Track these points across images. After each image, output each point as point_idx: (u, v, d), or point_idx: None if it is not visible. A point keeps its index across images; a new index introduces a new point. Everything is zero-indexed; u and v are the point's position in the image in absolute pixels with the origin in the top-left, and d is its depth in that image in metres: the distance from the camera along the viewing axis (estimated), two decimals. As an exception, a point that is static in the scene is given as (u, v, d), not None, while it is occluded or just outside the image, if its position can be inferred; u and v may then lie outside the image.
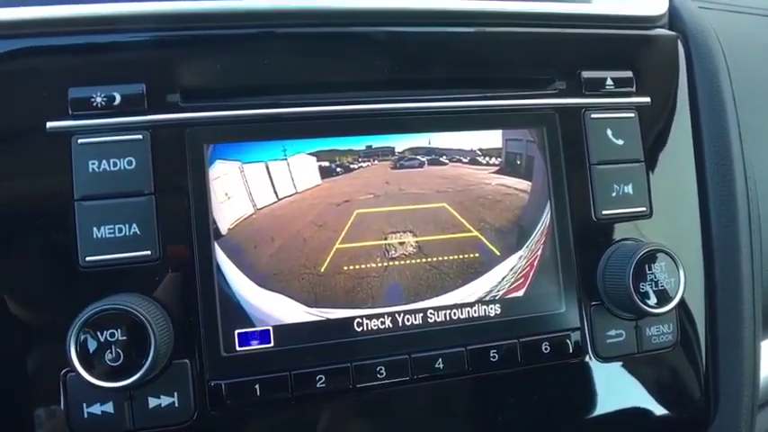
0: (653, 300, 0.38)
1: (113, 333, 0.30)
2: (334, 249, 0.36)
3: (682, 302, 0.40)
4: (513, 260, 0.38)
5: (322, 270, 0.35)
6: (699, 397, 0.42)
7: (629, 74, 0.41)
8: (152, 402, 0.33)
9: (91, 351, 0.31)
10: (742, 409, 0.43)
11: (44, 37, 0.34)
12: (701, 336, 0.42)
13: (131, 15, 0.34)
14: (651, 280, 0.38)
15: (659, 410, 0.41)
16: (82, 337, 0.30)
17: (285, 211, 0.35)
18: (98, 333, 0.30)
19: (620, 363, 0.40)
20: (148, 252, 0.33)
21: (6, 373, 0.32)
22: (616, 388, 0.40)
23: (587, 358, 0.39)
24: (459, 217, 0.38)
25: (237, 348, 0.34)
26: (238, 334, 0.34)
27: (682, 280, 0.38)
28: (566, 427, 0.39)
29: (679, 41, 0.44)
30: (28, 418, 0.32)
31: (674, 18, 0.45)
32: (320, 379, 0.35)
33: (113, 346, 0.30)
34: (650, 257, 0.37)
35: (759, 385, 0.44)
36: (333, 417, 0.35)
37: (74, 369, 0.31)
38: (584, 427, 0.39)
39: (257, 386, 0.34)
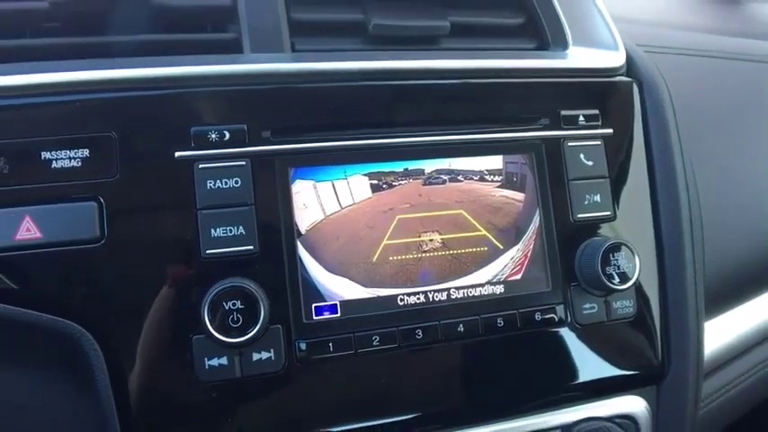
0: (617, 280, 0.50)
1: (234, 303, 0.42)
2: (382, 245, 0.48)
3: (638, 283, 0.53)
4: (512, 252, 0.51)
5: (374, 260, 0.47)
6: (654, 356, 0.54)
7: (596, 111, 0.54)
8: (255, 357, 0.44)
9: (219, 317, 0.43)
10: (689, 368, 0.55)
11: (173, 89, 0.46)
12: (655, 309, 0.54)
13: (240, 74, 0.47)
14: (615, 265, 0.50)
15: (624, 366, 0.53)
16: (213, 307, 0.42)
17: (346, 217, 0.48)
18: (224, 303, 0.42)
19: (594, 329, 0.52)
20: (251, 247, 0.45)
21: (149, 339, 0.44)
22: (591, 348, 0.52)
23: (568, 325, 0.51)
24: (472, 220, 0.50)
25: (314, 318, 0.46)
26: (315, 307, 0.46)
27: (638, 265, 0.51)
28: (552, 377, 0.51)
29: (634, 85, 0.57)
30: (164, 371, 0.44)
31: (630, 67, 0.58)
32: (375, 339, 0.47)
33: (234, 313, 0.42)
34: (614, 248, 0.50)
35: (703, 349, 0.57)
36: (383, 367, 0.47)
37: (204, 331, 0.42)
38: (567, 377, 0.51)
39: (330, 344, 0.46)
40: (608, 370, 0.53)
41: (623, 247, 0.50)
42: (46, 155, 0.43)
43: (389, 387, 0.47)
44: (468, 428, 0.49)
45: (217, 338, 0.42)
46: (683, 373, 0.55)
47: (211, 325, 0.42)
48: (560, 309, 0.51)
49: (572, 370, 0.52)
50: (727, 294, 0.65)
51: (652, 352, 0.54)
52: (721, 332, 0.66)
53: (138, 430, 0.43)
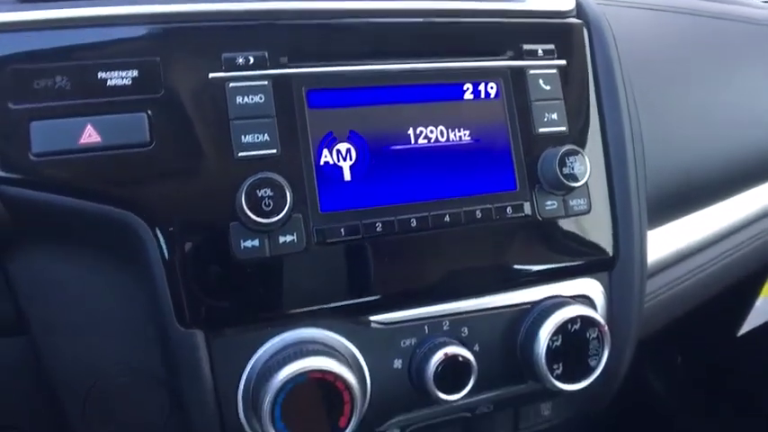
0: (571, 179, 0.61)
1: (265, 191, 0.52)
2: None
3: (589, 183, 0.64)
4: (487, 159, 0.61)
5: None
6: (606, 246, 0.65)
7: (552, 47, 0.65)
8: (281, 239, 0.53)
9: (253, 201, 0.52)
10: (634, 257, 0.66)
11: (207, 22, 0.55)
12: (605, 206, 0.64)
13: (263, 11, 0.56)
14: (570, 167, 0.60)
15: (581, 254, 0.63)
16: (248, 195, 0.51)
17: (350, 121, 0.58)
18: (257, 191, 0.52)
19: (555, 223, 0.62)
20: (275, 150, 0.54)
21: (193, 227, 0.52)
22: (553, 239, 0.62)
23: (534, 219, 0.61)
24: (457, 132, 0.61)
25: (328, 209, 0.56)
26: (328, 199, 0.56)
27: (588, 167, 0.61)
28: (522, 261, 0.62)
29: (583, 27, 0.69)
30: (207, 253, 0.52)
31: (579, 11, 0.70)
32: (378, 226, 0.56)
33: (267, 199, 0.52)
34: (568, 153, 0.60)
35: (646, 242, 0.68)
36: (386, 251, 0.57)
37: (241, 216, 0.52)
38: (534, 262, 0.62)
39: (341, 230, 0.56)
40: (568, 257, 0.64)
41: (576, 153, 0.61)
42: (102, 75, 0.52)
43: (391, 267, 0.58)
44: (454, 301, 0.60)
45: (253, 220, 0.51)
46: (629, 260, 0.66)
47: (248, 208, 0.51)
48: (527, 205, 0.61)
49: (538, 256, 0.63)
50: (669, 207, 0.77)
51: (604, 242, 0.65)
52: (664, 241, 0.78)
53: (188, 305, 0.52)
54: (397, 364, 0.58)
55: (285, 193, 0.52)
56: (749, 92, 0.89)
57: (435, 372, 0.56)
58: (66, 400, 0.55)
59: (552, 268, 0.63)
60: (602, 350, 0.61)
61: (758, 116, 0.87)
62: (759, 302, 1.04)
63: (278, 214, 0.52)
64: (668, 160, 0.77)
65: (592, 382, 0.62)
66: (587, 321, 0.60)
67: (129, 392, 0.55)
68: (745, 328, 1.07)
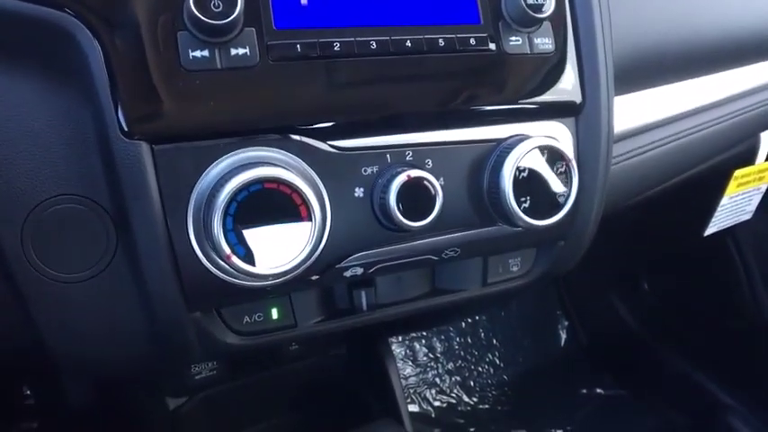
0: (536, 11, 0.59)
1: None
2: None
3: (554, 24, 0.62)
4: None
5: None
6: (572, 89, 0.64)
7: None
8: (233, 51, 0.50)
9: (203, 2, 0.48)
10: (601, 104, 0.66)
11: None
12: (571, 49, 0.64)
13: None
14: None
15: (547, 94, 0.62)
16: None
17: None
18: (205, -9, 0.49)
19: (520, 60, 0.60)
20: None
21: (139, 36, 0.49)
22: (519, 76, 0.60)
23: (499, 52, 0.59)
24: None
25: (283, 25, 0.53)
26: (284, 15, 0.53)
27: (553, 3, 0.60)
28: (486, 96, 0.60)
29: None
30: (152, 60, 0.48)
31: None
32: (336, 45, 0.54)
33: (216, 0, 0.49)
34: None
35: (612, 91, 0.67)
36: (342, 73, 0.54)
37: (190, 20, 0.48)
38: (499, 98, 0.60)
39: (297, 46, 0.53)
40: (533, 97, 0.62)
41: (537, -15, 0.59)
42: None
43: (350, 91, 0.55)
44: (417, 132, 0.57)
45: (201, 21, 0.47)
46: (596, 107, 0.65)
47: (196, 7, 0.48)
48: (491, 39, 0.59)
49: (503, 94, 0.61)
50: (643, 72, 0.76)
51: (570, 85, 0.64)
52: (634, 109, 0.77)
53: (132, 115, 0.49)
54: (359, 192, 0.55)
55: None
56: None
57: (398, 194, 0.54)
58: (1, 232, 0.51)
59: (517, 108, 0.62)
60: (570, 186, 0.60)
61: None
62: (724, 200, 1.04)
63: (228, 17, 0.48)
64: (644, 22, 0.76)
65: (561, 224, 0.61)
66: (554, 153, 0.59)
67: (71, 220, 0.51)
68: (711, 228, 1.07)
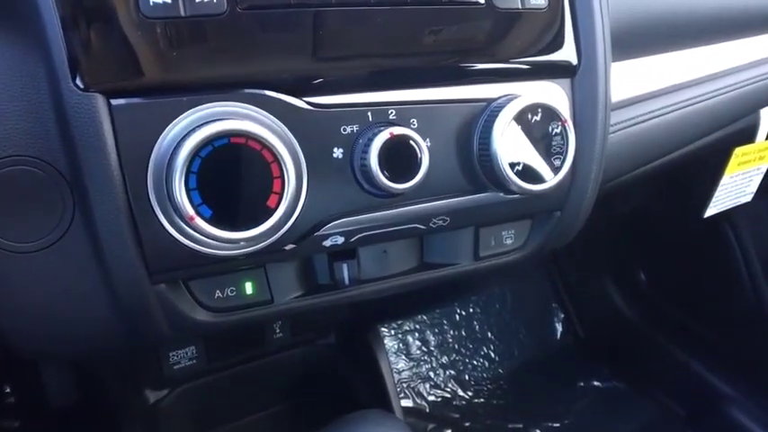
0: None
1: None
2: None
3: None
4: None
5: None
6: (567, 48, 0.60)
7: None
8: None
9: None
10: (598, 66, 0.62)
11: None
12: (565, 7, 0.60)
13: None
14: None
15: (540, 53, 0.58)
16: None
17: None
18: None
19: (512, 16, 0.56)
20: None
21: None
22: (510, 33, 0.56)
23: (489, 7, 0.54)
24: None
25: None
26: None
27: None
28: (476, 53, 0.56)
29: None
30: (109, 5, 0.44)
31: None
32: (314, -12, 0.50)
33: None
34: None
35: (610, 53, 0.63)
36: (321, 23, 0.50)
37: None
38: (488, 55, 0.56)
39: (269, -8, 0.49)
40: (526, 55, 0.58)
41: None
42: None
43: (329, 44, 0.51)
44: (401, 89, 0.53)
45: None
46: (592, 68, 0.61)
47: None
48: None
49: (494, 51, 0.56)
50: (638, 42, 0.72)
51: (564, 44, 0.60)
52: (633, 77, 0.73)
53: (86, 63, 0.45)
54: (338, 153, 0.51)
55: None
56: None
57: (380, 153, 0.49)
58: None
59: (509, 67, 0.58)
60: (566, 148, 0.56)
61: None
62: (724, 179, 1.01)
63: None
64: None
65: (557, 190, 0.57)
66: (548, 112, 0.55)
67: (22, 185, 0.46)
68: (711, 209, 1.04)
